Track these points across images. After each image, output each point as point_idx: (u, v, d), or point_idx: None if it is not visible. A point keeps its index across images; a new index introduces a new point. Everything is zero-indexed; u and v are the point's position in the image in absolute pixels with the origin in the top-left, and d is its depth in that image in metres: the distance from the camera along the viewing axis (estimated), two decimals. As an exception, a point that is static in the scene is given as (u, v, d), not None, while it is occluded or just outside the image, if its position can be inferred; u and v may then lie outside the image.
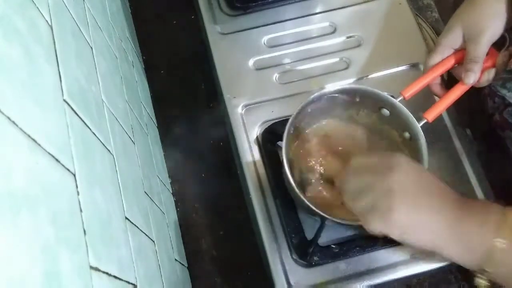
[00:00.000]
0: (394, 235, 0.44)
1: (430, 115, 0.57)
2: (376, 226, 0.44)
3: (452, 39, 0.58)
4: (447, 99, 0.58)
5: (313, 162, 0.63)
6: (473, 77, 0.57)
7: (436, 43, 0.60)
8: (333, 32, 0.76)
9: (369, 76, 0.73)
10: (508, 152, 0.64)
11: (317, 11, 0.78)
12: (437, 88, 0.61)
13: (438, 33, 0.82)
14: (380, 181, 0.45)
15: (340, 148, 0.64)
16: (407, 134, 0.58)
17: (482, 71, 0.58)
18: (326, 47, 0.75)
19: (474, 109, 0.71)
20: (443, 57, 0.60)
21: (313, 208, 0.52)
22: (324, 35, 0.76)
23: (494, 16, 0.55)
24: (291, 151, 0.62)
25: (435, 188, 0.45)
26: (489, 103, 0.63)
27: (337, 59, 0.74)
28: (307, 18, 0.78)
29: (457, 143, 0.68)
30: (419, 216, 0.43)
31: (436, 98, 0.64)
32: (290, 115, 0.66)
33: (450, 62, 0.60)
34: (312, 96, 0.58)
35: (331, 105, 0.62)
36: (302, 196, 0.53)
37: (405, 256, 0.62)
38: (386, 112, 0.59)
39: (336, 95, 0.60)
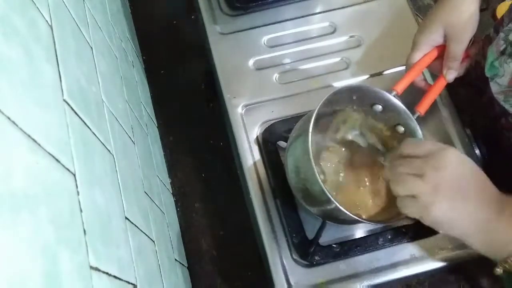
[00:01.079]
0: (426, 222, 0.48)
1: (422, 108, 0.60)
2: (412, 213, 0.48)
3: (433, 38, 0.61)
4: (433, 91, 0.62)
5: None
6: (454, 74, 0.61)
7: (416, 41, 0.62)
8: (333, 32, 0.76)
9: (369, 76, 0.73)
10: (509, 152, 0.64)
11: (317, 11, 0.78)
12: (421, 83, 0.64)
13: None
14: (430, 174, 0.47)
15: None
16: (401, 128, 0.59)
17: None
18: (326, 47, 0.75)
19: (474, 109, 0.72)
20: (423, 54, 0.62)
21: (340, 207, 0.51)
22: (324, 35, 0.76)
23: (475, 14, 0.57)
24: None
25: (478, 189, 0.48)
26: (496, 107, 0.64)
27: (337, 59, 0.74)
28: (307, 18, 0.78)
29: (457, 143, 0.68)
30: (455, 214, 0.47)
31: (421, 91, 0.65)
32: (291, 115, 0.66)
33: (431, 57, 0.62)
34: (333, 92, 0.56)
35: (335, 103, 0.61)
36: (329, 195, 0.51)
37: (405, 256, 0.62)
38: (378, 107, 0.60)
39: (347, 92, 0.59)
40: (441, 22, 0.59)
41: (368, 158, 0.63)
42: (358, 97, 0.60)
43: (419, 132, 0.57)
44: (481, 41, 0.67)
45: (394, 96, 0.58)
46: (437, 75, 0.64)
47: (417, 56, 0.62)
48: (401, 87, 0.60)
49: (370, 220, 0.56)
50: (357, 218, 0.51)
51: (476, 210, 0.46)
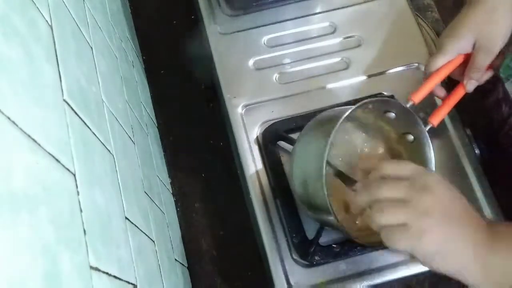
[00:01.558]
0: (419, 256, 0.42)
1: (435, 120, 0.58)
2: (402, 245, 0.41)
3: (462, 45, 0.58)
4: (449, 102, 0.59)
5: None
6: (475, 85, 0.58)
7: (442, 46, 0.59)
8: (333, 32, 0.76)
9: (369, 76, 0.73)
10: (510, 152, 0.65)
11: (317, 11, 0.78)
12: (439, 91, 0.61)
13: (438, 33, 0.82)
14: (418, 198, 0.42)
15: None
16: (410, 137, 0.58)
17: None
18: (326, 47, 0.75)
19: (474, 109, 0.71)
20: (447, 60, 0.59)
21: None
22: (324, 35, 0.76)
23: (509, 27, 0.55)
24: None
25: (467, 216, 0.43)
26: (504, 107, 0.63)
27: (337, 59, 0.74)
28: (307, 18, 0.78)
29: (457, 143, 0.68)
30: (450, 245, 0.41)
31: (438, 101, 0.64)
32: (291, 115, 0.66)
33: (455, 64, 0.59)
34: (348, 112, 0.52)
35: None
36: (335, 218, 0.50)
37: (405, 256, 0.62)
38: (392, 115, 0.58)
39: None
40: (473, 31, 0.56)
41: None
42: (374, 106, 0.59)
43: (430, 146, 0.55)
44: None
45: (410, 106, 0.57)
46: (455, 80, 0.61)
47: (441, 61, 0.59)
48: (419, 97, 0.57)
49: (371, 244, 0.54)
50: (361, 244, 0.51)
51: (472, 237, 0.41)
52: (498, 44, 0.55)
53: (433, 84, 0.59)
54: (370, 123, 0.62)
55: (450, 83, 0.64)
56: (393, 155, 0.62)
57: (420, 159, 0.57)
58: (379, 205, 0.43)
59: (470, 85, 0.58)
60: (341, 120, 0.50)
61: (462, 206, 0.44)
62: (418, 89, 0.58)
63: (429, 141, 0.56)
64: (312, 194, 0.54)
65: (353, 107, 0.51)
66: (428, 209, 0.41)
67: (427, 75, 0.61)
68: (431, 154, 0.56)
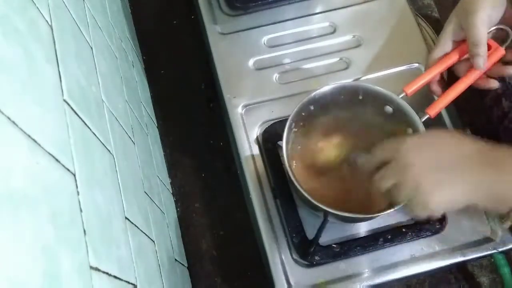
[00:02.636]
0: (434, 212, 0.48)
1: (433, 111, 0.57)
2: (419, 213, 0.47)
3: (451, 30, 0.58)
4: (448, 94, 0.58)
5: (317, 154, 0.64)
6: (481, 60, 0.56)
7: (437, 38, 0.60)
8: (333, 32, 0.76)
9: (369, 76, 0.73)
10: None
11: (317, 11, 0.78)
12: (435, 87, 0.61)
13: (438, 33, 0.82)
14: (406, 168, 0.47)
15: (343, 144, 0.64)
16: (410, 130, 0.58)
17: (504, 64, 0.58)
18: (326, 47, 0.75)
19: (474, 109, 0.71)
20: (445, 51, 0.59)
21: (315, 202, 0.53)
22: (324, 35, 0.76)
23: None
24: (295, 149, 0.63)
25: (465, 154, 0.47)
26: (504, 102, 0.63)
27: (337, 59, 0.74)
28: (307, 18, 0.78)
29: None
30: (459, 192, 0.46)
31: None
32: (290, 115, 0.65)
33: (453, 58, 0.59)
34: (314, 93, 0.58)
35: (334, 103, 0.62)
36: (302, 190, 0.53)
37: (405, 256, 0.62)
38: (389, 109, 0.59)
39: (339, 92, 0.60)
40: (455, 12, 0.57)
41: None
42: (365, 97, 0.60)
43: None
44: None
45: (402, 97, 0.57)
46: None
47: (439, 52, 0.59)
48: (411, 88, 0.58)
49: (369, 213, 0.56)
50: (354, 215, 0.52)
51: (475, 178, 0.46)
52: (477, 13, 0.54)
53: (428, 77, 0.59)
54: (378, 125, 0.62)
55: (450, 81, 0.64)
56: None
57: None
58: (388, 192, 0.49)
59: (476, 62, 0.56)
60: (301, 103, 0.57)
61: (456, 148, 0.48)
62: (412, 81, 0.59)
63: (424, 131, 0.55)
64: None
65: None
66: (408, 164, 0.46)
67: (426, 69, 0.61)
68: None
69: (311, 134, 0.64)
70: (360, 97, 0.60)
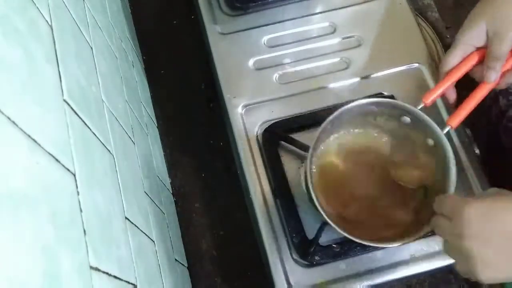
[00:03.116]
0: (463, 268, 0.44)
1: (454, 122, 0.54)
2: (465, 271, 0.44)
3: (475, 36, 0.54)
4: (469, 103, 0.55)
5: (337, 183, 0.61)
6: (494, 75, 0.54)
7: (456, 41, 0.56)
8: (333, 32, 0.76)
9: (369, 76, 0.73)
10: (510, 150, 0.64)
11: (317, 11, 0.78)
12: (450, 94, 0.58)
13: (438, 33, 0.82)
14: (459, 241, 0.43)
15: (363, 159, 0.61)
16: (430, 141, 0.56)
17: (502, 73, 0.55)
18: (326, 47, 0.75)
19: (475, 110, 0.71)
20: (463, 55, 0.56)
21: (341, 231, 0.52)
22: (324, 35, 0.76)
23: None
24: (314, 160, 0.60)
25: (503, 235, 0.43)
26: (501, 100, 0.62)
27: (337, 59, 0.74)
28: (307, 18, 0.78)
29: (457, 143, 0.68)
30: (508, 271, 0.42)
31: (443, 101, 0.63)
32: (291, 115, 0.66)
33: (471, 62, 0.56)
34: (341, 109, 0.55)
35: (350, 116, 0.59)
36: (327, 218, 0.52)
37: (405, 256, 0.62)
38: (406, 119, 0.57)
39: (357, 111, 0.57)
40: (483, 16, 0.52)
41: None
42: (381, 109, 0.58)
43: (448, 148, 0.53)
44: None
45: (420, 109, 0.54)
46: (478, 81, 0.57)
47: (453, 59, 0.56)
48: (430, 98, 0.55)
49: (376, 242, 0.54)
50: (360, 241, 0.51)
51: None
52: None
53: (447, 84, 0.56)
54: (397, 133, 0.60)
55: (459, 86, 0.62)
56: (419, 163, 0.59)
57: (442, 164, 0.54)
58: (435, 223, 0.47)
59: (488, 76, 0.53)
60: (324, 123, 0.53)
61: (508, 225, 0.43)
62: (430, 90, 0.56)
63: (447, 144, 0.53)
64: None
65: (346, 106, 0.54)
66: (466, 236, 0.42)
67: (441, 76, 0.57)
68: (451, 159, 0.53)
69: (327, 150, 0.61)
70: (376, 109, 0.58)
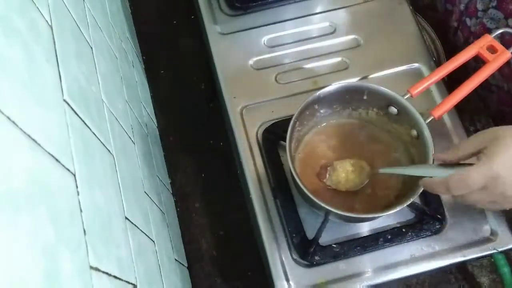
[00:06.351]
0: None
1: (437, 112, 0.57)
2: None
3: (472, 148, 0.50)
4: (454, 96, 0.58)
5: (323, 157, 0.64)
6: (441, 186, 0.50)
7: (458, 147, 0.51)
8: (333, 32, 0.76)
9: (369, 76, 0.73)
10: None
11: (317, 11, 0.78)
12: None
13: (438, 33, 0.82)
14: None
15: (347, 145, 0.65)
16: (414, 132, 0.58)
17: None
18: (326, 47, 0.75)
19: (474, 108, 0.72)
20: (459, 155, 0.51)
21: (319, 202, 0.53)
22: (324, 35, 0.76)
23: None
24: (298, 147, 0.64)
25: None
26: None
27: (337, 59, 0.74)
28: (307, 18, 0.78)
29: (457, 142, 0.68)
30: None
31: (437, 96, 0.64)
32: (291, 115, 0.66)
33: (459, 60, 0.59)
34: (319, 92, 0.59)
35: (338, 102, 0.62)
36: (304, 189, 0.54)
37: (405, 256, 0.62)
38: (394, 110, 0.59)
39: (344, 91, 0.60)
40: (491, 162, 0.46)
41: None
42: (369, 97, 0.60)
43: (429, 139, 0.54)
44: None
45: (406, 98, 0.57)
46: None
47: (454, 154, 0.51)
48: (417, 89, 0.58)
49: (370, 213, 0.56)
50: (355, 215, 0.52)
51: None
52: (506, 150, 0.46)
53: (434, 78, 0.59)
54: (384, 126, 0.63)
55: (450, 82, 0.64)
56: (410, 156, 0.61)
57: (424, 153, 0.56)
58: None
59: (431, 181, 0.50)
60: (306, 101, 0.58)
61: None
62: (417, 83, 0.58)
63: (428, 132, 0.55)
64: None
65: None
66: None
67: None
68: (430, 146, 0.54)
69: (314, 134, 0.64)
70: (365, 97, 0.60)
